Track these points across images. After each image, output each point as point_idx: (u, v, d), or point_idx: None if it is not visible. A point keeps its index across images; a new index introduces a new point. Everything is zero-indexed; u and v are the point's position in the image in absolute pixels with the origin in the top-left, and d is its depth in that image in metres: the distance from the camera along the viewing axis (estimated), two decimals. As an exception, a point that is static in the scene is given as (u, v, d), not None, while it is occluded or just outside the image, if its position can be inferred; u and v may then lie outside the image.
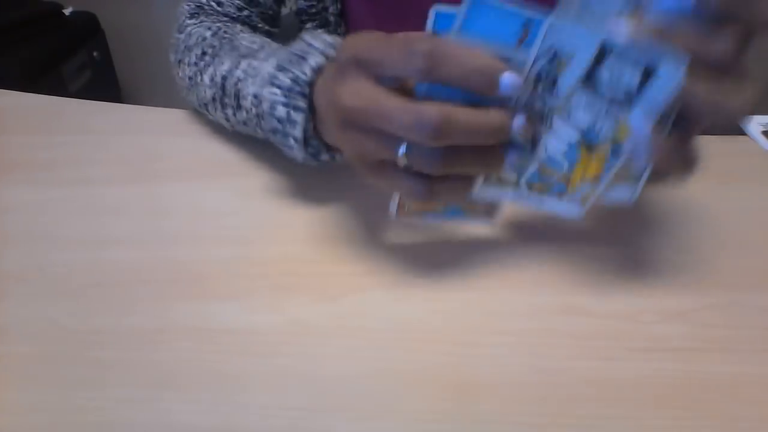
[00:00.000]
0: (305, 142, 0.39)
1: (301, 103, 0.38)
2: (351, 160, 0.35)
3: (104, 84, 1.64)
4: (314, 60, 0.37)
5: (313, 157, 0.40)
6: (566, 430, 0.30)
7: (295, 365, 0.33)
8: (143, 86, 1.72)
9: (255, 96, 0.42)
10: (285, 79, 0.38)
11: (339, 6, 0.56)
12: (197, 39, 0.50)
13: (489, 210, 0.39)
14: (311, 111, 0.38)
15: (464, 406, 0.31)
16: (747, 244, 0.42)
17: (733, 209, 0.45)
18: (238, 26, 0.53)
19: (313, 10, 0.57)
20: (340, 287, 0.38)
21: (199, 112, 0.53)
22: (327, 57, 0.38)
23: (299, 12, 0.58)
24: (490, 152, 0.32)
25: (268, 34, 0.57)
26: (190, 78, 0.50)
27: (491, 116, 0.31)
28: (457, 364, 0.33)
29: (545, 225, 0.42)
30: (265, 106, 0.39)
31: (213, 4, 0.54)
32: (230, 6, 0.54)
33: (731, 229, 0.43)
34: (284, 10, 0.61)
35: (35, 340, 0.35)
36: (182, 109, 0.55)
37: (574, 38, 0.30)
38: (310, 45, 0.39)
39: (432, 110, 0.29)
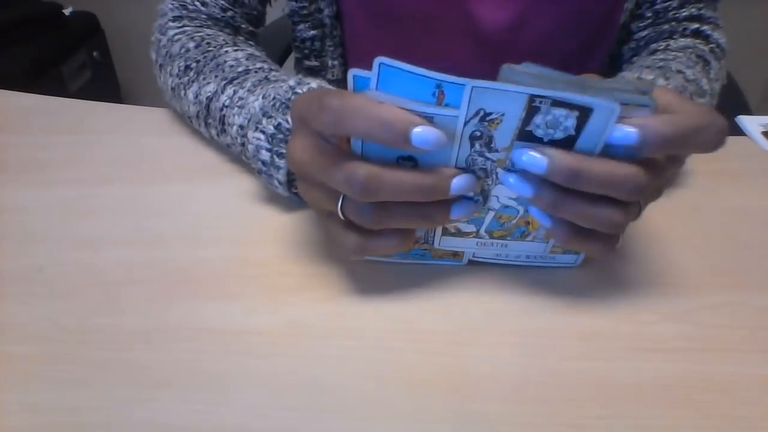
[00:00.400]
0: (290, 183, 0.41)
1: (284, 150, 0.40)
2: (312, 208, 0.37)
3: (104, 84, 1.64)
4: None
5: (296, 195, 0.42)
6: (566, 430, 0.30)
7: (293, 365, 0.33)
8: (143, 86, 1.72)
9: (240, 127, 0.43)
10: (269, 126, 0.40)
11: (335, 8, 0.56)
12: (180, 49, 0.50)
13: (456, 253, 0.38)
14: None
15: (464, 406, 0.31)
16: (747, 244, 0.42)
17: (733, 209, 0.45)
18: (221, 36, 0.52)
19: (305, 12, 0.57)
20: (338, 287, 0.38)
21: (183, 117, 0.53)
22: None
23: (291, 14, 0.58)
24: (430, 208, 0.32)
25: (252, 35, 0.57)
26: (172, 89, 0.51)
27: (422, 176, 0.31)
28: (457, 364, 0.33)
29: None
30: (250, 148, 0.41)
31: (197, 4, 0.54)
32: (215, 6, 0.54)
33: (731, 229, 0.43)
34: (277, 12, 0.61)
35: (34, 340, 0.35)
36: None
37: (500, 98, 0.29)
38: (294, 92, 0.41)
39: (359, 169, 0.30)
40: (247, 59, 0.48)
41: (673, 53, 0.52)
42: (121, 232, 0.42)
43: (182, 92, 0.49)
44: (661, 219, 0.44)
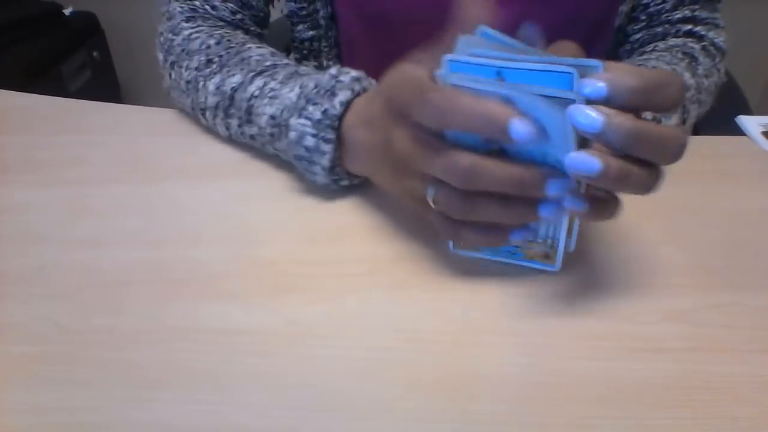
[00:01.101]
0: (332, 170, 0.42)
1: (330, 135, 0.41)
2: (402, 197, 0.39)
3: (104, 84, 1.64)
4: (344, 95, 0.41)
5: (335, 182, 0.44)
6: (566, 430, 0.30)
7: (294, 365, 0.33)
8: (143, 86, 1.72)
9: (272, 117, 0.44)
10: (315, 112, 0.41)
11: (329, 9, 0.57)
12: (200, 45, 0.50)
13: (548, 255, 0.38)
14: (338, 142, 0.41)
15: (464, 406, 0.31)
16: (747, 244, 0.42)
17: (733, 209, 0.45)
18: (240, 35, 0.53)
19: (304, 12, 0.58)
20: (338, 287, 0.38)
21: (190, 115, 0.53)
22: (354, 92, 0.41)
23: (290, 15, 0.59)
24: (520, 204, 0.33)
25: (259, 36, 0.58)
26: (187, 82, 0.50)
27: (522, 170, 0.32)
28: (457, 364, 0.33)
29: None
30: (293, 135, 0.42)
31: (207, 7, 0.54)
32: (224, 10, 0.54)
33: (731, 229, 0.43)
34: (275, 13, 0.61)
35: (34, 340, 0.35)
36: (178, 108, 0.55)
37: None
38: (337, 80, 0.41)
39: (463, 157, 0.32)
40: (272, 55, 0.49)
41: (658, 53, 0.53)
42: (121, 232, 0.42)
43: (201, 83, 0.49)
44: (661, 219, 0.44)
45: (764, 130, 0.54)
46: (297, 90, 0.43)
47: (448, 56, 0.32)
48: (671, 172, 0.48)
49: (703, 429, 0.30)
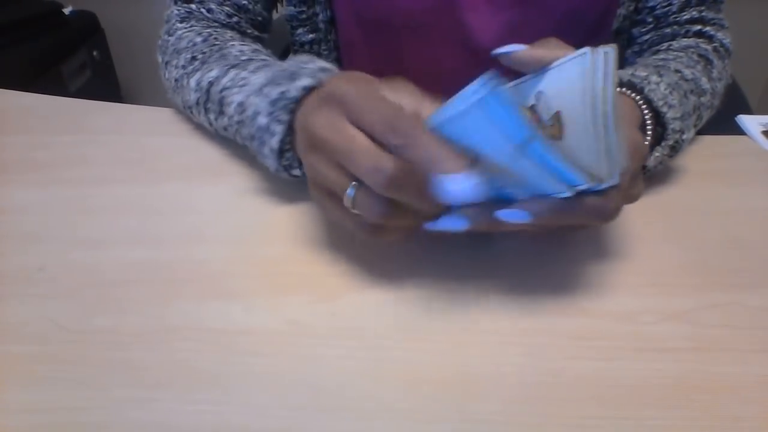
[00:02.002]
0: (281, 153, 0.41)
1: (284, 117, 0.39)
2: (308, 182, 0.37)
3: (104, 84, 1.64)
4: (305, 80, 0.39)
5: (285, 170, 0.42)
6: (566, 430, 0.30)
7: (294, 365, 0.33)
8: (143, 86, 1.72)
9: (239, 104, 0.43)
10: (273, 92, 0.39)
11: (329, 13, 0.57)
12: (187, 43, 0.51)
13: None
14: (292, 127, 0.39)
15: (464, 406, 0.31)
16: (747, 244, 0.42)
17: (733, 209, 0.45)
18: (229, 33, 0.53)
19: (304, 16, 0.58)
20: (338, 287, 0.38)
21: (185, 114, 0.53)
22: (317, 80, 0.39)
23: (290, 18, 0.59)
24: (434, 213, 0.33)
25: (258, 39, 0.58)
26: (176, 80, 0.51)
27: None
28: (457, 364, 0.33)
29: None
30: (249, 112, 0.41)
31: (203, 10, 0.54)
32: (220, 13, 0.54)
33: (731, 229, 0.43)
34: (274, 15, 0.61)
35: (35, 340, 0.35)
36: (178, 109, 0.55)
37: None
38: (303, 66, 0.40)
39: (391, 162, 0.31)
40: (252, 51, 0.48)
41: (675, 53, 0.52)
42: (121, 232, 0.42)
43: (185, 81, 0.49)
44: (661, 219, 0.44)
45: (764, 129, 0.54)
46: (265, 74, 0.42)
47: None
48: (671, 172, 0.48)
49: (703, 429, 0.30)
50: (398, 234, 0.35)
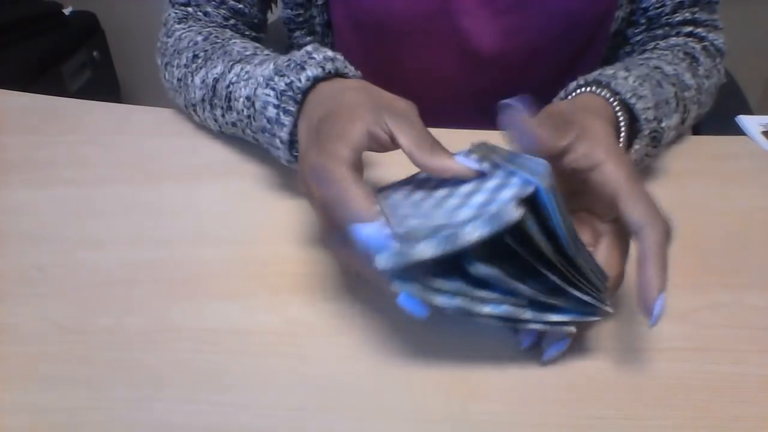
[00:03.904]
0: (291, 144, 0.40)
1: (292, 108, 0.39)
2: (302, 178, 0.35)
3: (104, 84, 1.64)
4: (312, 71, 0.39)
5: (297, 160, 0.41)
6: (566, 430, 0.30)
7: (294, 365, 0.33)
8: (143, 86, 1.72)
9: (247, 98, 0.43)
10: (280, 83, 0.39)
11: (326, 17, 0.57)
12: (188, 43, 0.51)
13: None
14: (300, 116, 0.39)
15: (464, 406, 0.31)
16: (747, 244, 0.42)
17: (733, 209, 0.45)
18: (228, 31, 0.53)
19: (300, 19, 0.58)
20: (338, 287, 0.38)
21: (186, 113, 0.53)
22: (325, 70, 0.39)
23: (287, 21, 0.59)
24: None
25: (256, 39, 0.58)
26: (179, 80, 0.51)
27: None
28: (457, 364, 0.33)
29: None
30: (258, 105, 0.41)
31: (200, 13, 0.54)
32: (217, 16, 0.55)
33: (731, 229, 0.43)
34: (270, 17, 0.61)
35: (35, 340, 0.35)
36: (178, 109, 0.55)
37: None
38: (310, 56, 0.40)
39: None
40: (255, 47, 0.48)
41: (660, 51, 0.53)
42: (122, 232, 0.42)
43: (189, 79, 0.49)
44: (661, 219, 0.44)
45: (764, 130, 0.54)
46: (271, 66, 0.42)
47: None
48: (671, 172, 0.48)
49: (702, 429, 0.30)
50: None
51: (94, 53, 1.58)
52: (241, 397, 0.32)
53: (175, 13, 0.55)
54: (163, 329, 0.35)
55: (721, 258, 0.41)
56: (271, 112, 0.40)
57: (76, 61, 1.50)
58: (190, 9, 0.54)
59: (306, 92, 0.39)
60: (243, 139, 0.48)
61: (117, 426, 0.30)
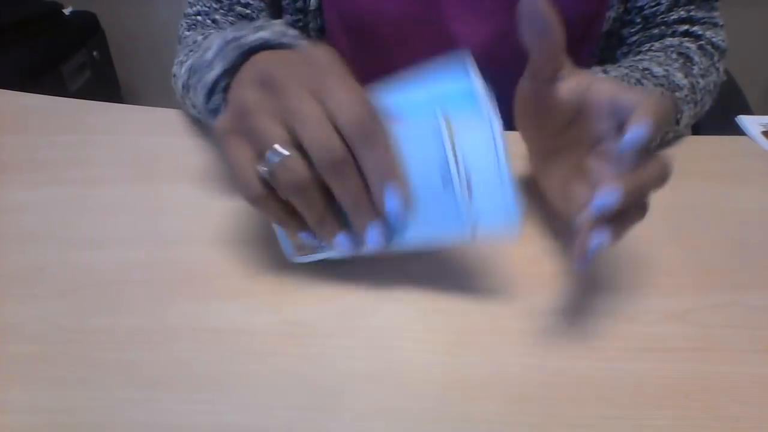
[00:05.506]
0: (211, 93, 0.39)
1: (231, 55, 0.37)
2: (226, 114, 0.33)
3: (104, 84, 1.64)
4: (265, 33, 0.37)
5: (209, 113, 0.40)
6: (566, 430, 0.30)
7: (294, 365, 0.33)
8: (143, 86, 1.72)
9: (201, 56, 0.42)
10: (230, 35, 0.38)
11: (319, 21, 0.57)
12: (190, 42, 0.52)
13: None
14: (235, 72, 0.36)
15: (464, 406, 0.31)
16: (747, 244, 0.42)
17: (733, 209, 0.45)
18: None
19: (300, 24, 0.58)
20: (338, 287, 0.38)
21: (190, 115, 0.53)
22: (277, 39, 0.38)
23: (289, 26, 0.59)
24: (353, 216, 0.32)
25: None
26: (174, 75, 0.51)
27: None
28: (457, 364, 0.33)
29: (545, 225, 0.42)
30: (201, 50, 0.40)
31: (209, 21, 0.55)
32: (225, 24, 0.55)
33: (731, 229, 0.43)
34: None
35: (34, 340, 0.35)
36: (182, 109, 0.55)
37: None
38: (270, 23, 0.39)
39: (343, 148, 0.29)
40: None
41: (652, 53, 0.53)
42: (121, 232, 0.42)
43: (179, 71, 0.49)
44: (661, 219, 0.44)
45: (764, 130, 0.54)
46: (232, 27, 0.41)
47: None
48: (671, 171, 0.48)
49: (702, 429, 0.30)
50: (276, 215, 0.33)
51: (94, 53, 1.58)
52: (240, 397, 0.32)
53: (186, 23, 0.56)
54: (163, 329, 0.35)
55: (721, 258, 0.41)
56: (209, 54, 0.39)
57: (76, 61, 1.50)
58: (199, 18, 0.55)
59: (253, 50, 0.37)
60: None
61: (117, 426, 0.30)
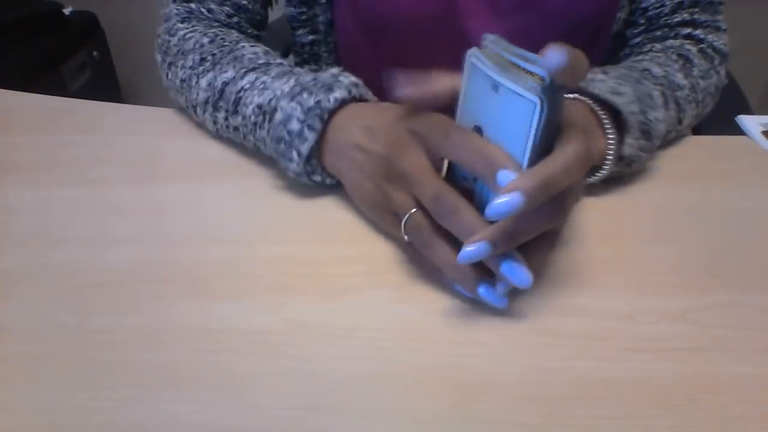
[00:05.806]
0: (307, 159, 0.42)
1: (317, 125, 0.41)
2: (373, 208, 0.41)
3: (104, 84, 1.64)
4: (340, 93, 0.42)
5: (307, 175, 0.44)
6: (566, 430, 0.30)
7: (294, 365, 0.33)
8: (143, 86, 1.72)
9: (258, 106, 0.45)
10: (309, 100, 0.41)
11: (329, 15, 0.57)
12: (194, 44, 0.51)
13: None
14: (322, 135, 0.42)
15: (464, 406, 0.31)
16: (747, 244, 0.42)
17: (733, 209, 0.45)
18: (234, 33, 0.54)
19: (304, 17, 0.58)
20: (339, 287, 0.38)
21: (186, 112, 0.53)
22: (351, 94, 0.42)
23: (290, 19, 0.59)
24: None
25: (257, 38, 0.58)
26: (182, 80, 0.51)
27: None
28: (457, 364, 0.33)
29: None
30: (279, 116, 0.42)
31: (203, 10, 0.54)
32: (220, 13, 0.55)
33: (731, 229, 0.43)
34: (272, 15, 0.61)
35: (36, 340, 0.35)
36: (181, 109, 0.55)
37: None
38: (337, 79, 0.42)
39: (448, 193, 0.34)
40: (265, 54, 0.49)
41: (653, 54, 0.53)
42: (124, 232, 0.42)
43: (194, 81, 0.50)
44: (661, 219, 0.44)
45: (764, 129, 0.54)
46: (292, 81, 0.44)
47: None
48: (672, 171, 0.48)
49: (703, 429, 0.30)
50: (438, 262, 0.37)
51: (94, 53, 1.58)
52: (241, 397, 0.32)
53: (178, 9, 0.55)
54: (164, 329, 0.35)
55: (721, 258, 0.41)
56: (295, 125, 0.41)
57: (76, 61, 1.50)
58: (193, 5, 0.54)
59: (333, 112, 0.41)
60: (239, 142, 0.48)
61: (117, 426, 0.30)
